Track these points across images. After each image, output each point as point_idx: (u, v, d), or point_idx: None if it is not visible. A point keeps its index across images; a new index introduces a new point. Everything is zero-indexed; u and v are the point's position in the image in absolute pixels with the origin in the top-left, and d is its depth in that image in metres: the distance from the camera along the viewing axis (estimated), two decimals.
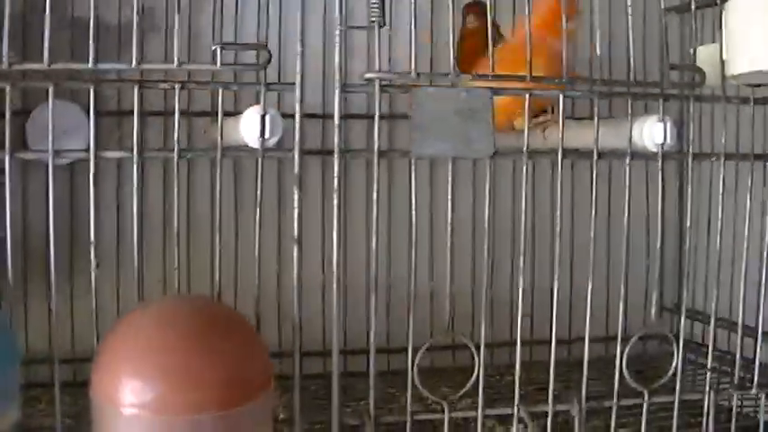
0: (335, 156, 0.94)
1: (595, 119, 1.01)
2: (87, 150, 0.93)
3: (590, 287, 1.03)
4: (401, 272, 1.40)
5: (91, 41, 0.90)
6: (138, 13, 0.93)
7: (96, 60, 0.92)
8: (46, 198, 1.32)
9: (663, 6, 1.04)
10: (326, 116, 1.43)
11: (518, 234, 1.44)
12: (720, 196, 1.07)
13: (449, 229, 0.98)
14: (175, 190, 0.95)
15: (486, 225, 0.99)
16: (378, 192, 0.95)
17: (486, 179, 0.99)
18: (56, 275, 0.92)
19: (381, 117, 0.96)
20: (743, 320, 1.11)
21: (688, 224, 1.11)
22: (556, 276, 1.01)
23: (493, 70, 0.97)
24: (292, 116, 0.94)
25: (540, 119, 1.17)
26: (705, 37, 1.30)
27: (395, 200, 1.45)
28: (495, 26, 1.39)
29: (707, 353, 1.29)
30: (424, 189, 1.42)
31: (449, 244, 0.98)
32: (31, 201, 1.36)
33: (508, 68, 1.00)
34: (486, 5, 1.37)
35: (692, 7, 1.07)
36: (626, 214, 1.04)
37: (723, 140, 1.07)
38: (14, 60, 0.90)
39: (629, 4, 1.02)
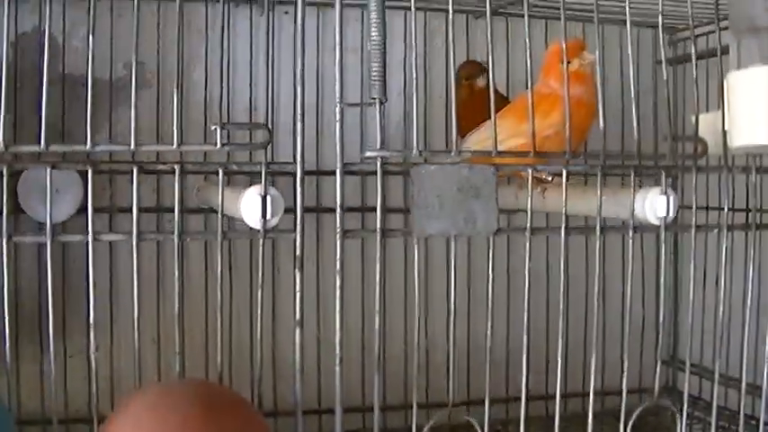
0: (338, 237, 0.92)
1: (598, 192, 1.00)
2: (85, 234, 0.90)
3: (593, 354, 1.02)
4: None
5: (88, 122, 0.87)
6: (134, 92, 0.90)
7: (93, 137, 0.90)
8: (38, 256, 1.32)
9: (665, 77, 1.03)
10: (320, 209, 1.45)
11: (513, 298, 1.45)
12: (724, 266, 1.06)
13: (451, 306, 0.97)
14: (176, 271, 0.93)
15: (488, 296, 0.98)
16: (381, 271, 0.94)
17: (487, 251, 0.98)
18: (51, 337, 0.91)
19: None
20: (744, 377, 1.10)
21: (691, 290, 1.08)
22: (560, 335, 1.00)
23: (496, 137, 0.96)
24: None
25: (541, 185, 1.16)
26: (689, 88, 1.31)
27: (389, 266, 1.44)
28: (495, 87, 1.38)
29: (702, 405, 1.29)
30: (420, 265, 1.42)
31: (452, 318, 0.97)
32: (22, 260, 1.34)
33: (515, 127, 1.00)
34: (484, 65, 1.38)
35: (694, 75, 1.05)
36: (629, 286, 1.04)
37: (725, 211, 1.06)
38: (9, 143, 0.88)
39: (632, 79, 1.01)
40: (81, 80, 1.40)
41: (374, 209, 0.92)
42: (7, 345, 0.90)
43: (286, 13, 1.50)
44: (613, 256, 1.36)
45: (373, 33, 0.92)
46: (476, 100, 1.26)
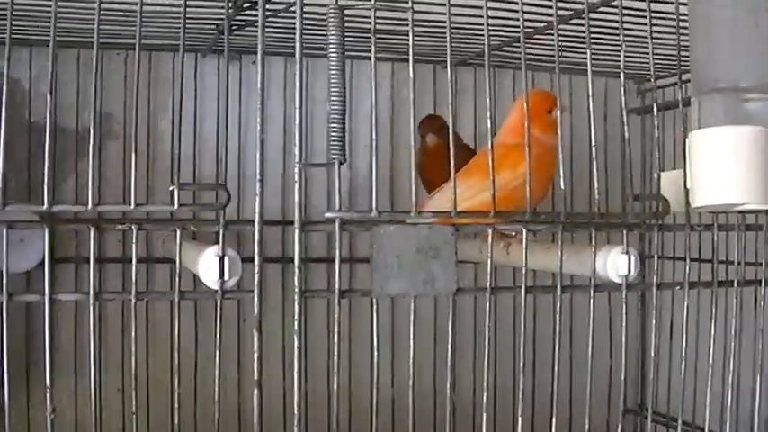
0: (296, 297, 0.92)
1: (559, 252, 1.00)
2: (42, 294, 0.89)
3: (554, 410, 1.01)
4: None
5: (45, 181, 0.87)
6: (94, 151, 0.89)
7: (53, 194, 0.89)
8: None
9: (627, 136, 1.03)
10: (285, 259, 1.44)
11: (478, 354, 1.45)
12: (684, 323, 1.06)
13: (411, 366, 0.97)
14: (133, 330, 0.92)
15: (449, 358, 0.98)
16: (339, 332, 0.93)
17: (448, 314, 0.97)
18: (11, 388, 0.90)
19: (343, 260, 0.94)
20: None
21: (653, 344, 1.08)
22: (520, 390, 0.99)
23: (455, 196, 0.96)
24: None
25: (505, 240, 1.16)
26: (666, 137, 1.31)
27: (354, 326, 1.45)
28: (459, 138, 1.38)
29: None
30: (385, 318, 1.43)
31: (411, 382, 0.97)
32: None
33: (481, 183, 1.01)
34: (444, 120, 1.38)
35: (656, 134, 1.05)
36: (590, 345, 1.03)
37: (687, 269, 1.06)
38: None
39: (592, 137, 1.01)
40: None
41: (320, 259, 0.91)
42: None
43: (253, 62, 1.50)
44: (581, 310, 1.36)
45: (333, 93, 0.91)
46: (438, 155, 1.25)
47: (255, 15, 1.15)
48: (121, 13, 1.18)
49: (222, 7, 1.19)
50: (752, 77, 0.99)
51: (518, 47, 1.30)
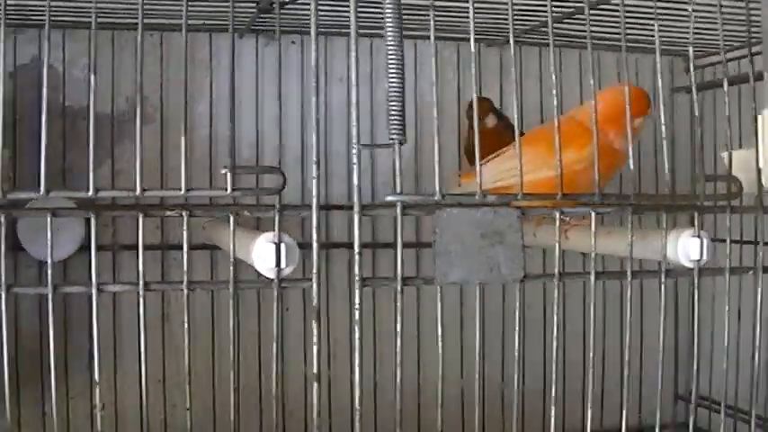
0: (356, 285, 0.87)
1: (629, 237, 0.95)
2: (89, 285, 0.85)
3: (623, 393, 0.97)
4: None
5: (90, 168, 0.82)
6: (141, 136, 0.85)
7: (96, 181, 0.85)
8: (38, 296, 1.28)
9: (696, 114, 0.99)
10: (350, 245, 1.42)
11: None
12: (758, 308, 1.01)
13: (477, 357, 0.92)
14: (185, 322, 0.87)
15: (517, 347, 0.93)
16: (402, 322, 0.88)
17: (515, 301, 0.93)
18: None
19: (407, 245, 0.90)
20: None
21: (715, 332, 1.04)
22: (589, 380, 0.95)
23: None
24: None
25: (564, 225, 1.11)
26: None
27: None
28: (511, 125, 1.34)
29: None
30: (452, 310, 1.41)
31: (477, 376, 0.92)
32: (22, 301, 1.30)
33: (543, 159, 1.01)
34: (492, 104, 1.34)
35: (727, 112, 1.00)
36: (661, 331, 0.98)
37: (761, 253, 1.01)
38: (8, 190, 0.83)
39: (661, 115, 0.96)
40: (82, 113, 1.36)
41: (387, 245, 0.86)
42: (7, 388, 0.84)
43: (293, 42, 1.45)
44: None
45: (391, 72, 0.87)
46: (486, 139, 1.21)
47: None
48: None
49: None
50: None
51: (569, 23, 1.26)
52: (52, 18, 1.23)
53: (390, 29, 0.88)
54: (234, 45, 1.41)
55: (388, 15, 0.88)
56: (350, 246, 1.26)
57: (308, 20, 1.27)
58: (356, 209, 0.87)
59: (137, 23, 1.30)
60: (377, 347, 1.42)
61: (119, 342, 1.36)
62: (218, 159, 1.40)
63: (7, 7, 1.20)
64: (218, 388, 1.37)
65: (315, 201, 0.86)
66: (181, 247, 1.31)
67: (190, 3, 1.19)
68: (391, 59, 0.87)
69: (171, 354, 1.36)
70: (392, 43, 0.87)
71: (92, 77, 0.89)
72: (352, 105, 0.87)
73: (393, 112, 0.87)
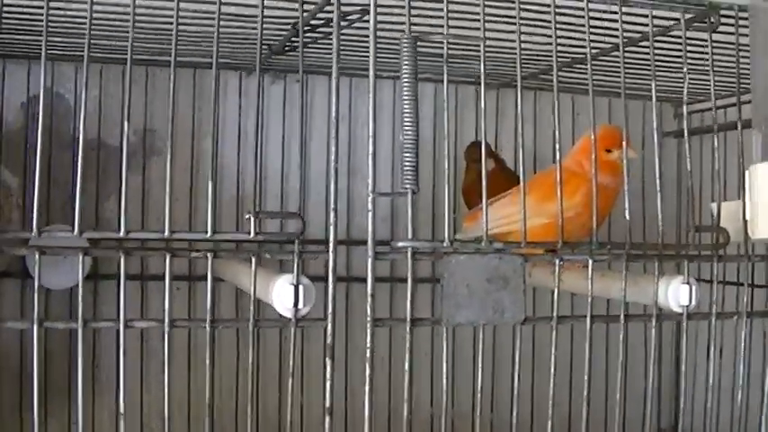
0: (368, 326, 0.92)
1: (623, 283, 1.01)
2: (116, 320, 0.89)
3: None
4: None
5: (122, 212, 0.87)
6: (169, 185, 0.90)
7: (96, 211, 0.89)
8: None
9: (689, 168, 1.05)
10: (350, 279, 1.47)
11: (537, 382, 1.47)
12: (743, 352, 1.07)
13: (478, 393, 0.98)
14: (207, 358, 0.92)
15: (515, 384, 0.99)
16: (411, 360, 0.94)
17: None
18: (53, 401, 0.91)
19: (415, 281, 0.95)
20: None
21: (711, 371, 1.10)
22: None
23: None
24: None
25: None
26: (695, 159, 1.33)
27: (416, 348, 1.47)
28: (507, 168, 1.39)
29: None
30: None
31: (477, 411, 0.98)
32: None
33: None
34: (490, 147, 1.39)
35: (716, 166, 1.06)
36: (651, 373, 1.04)
37: (745, 299, 1.07)
38: (42, 227, 0.88)
39: (657, 167, 1.03)
40: (92, 144, 1.40)
41: (402, 280, 0.92)
42: (35, 404, 0.88)
43: (297, 81, 1.50)
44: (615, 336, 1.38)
45: (406, 122, 0.92)
46: (490, 180, 1.27)
47: (307, 37, 1.17)
48: (162, 31, 1.19)
49: (270, 27, 1.19)
50: None
51: (565, 70, 1.32)
52: (63, 52, 1.29)
53: (406, 80, 0.93)
54: (261, 88, 1.46)
55: (404, 67, 0.93)
56: (353, 279, 1.33)
57: (316, 60, 1.33)
58: (370, 253, 0.93)
59: (147, 59, 1.37)
60: (392, 382, 1.48)
61: (145, 372, 1.41)
62: (223, 192, 1.45)
63: (23, 40, 1.25)
64: (240, 422, 1.43)
65: (331, 246, 0.92)
66: (181, 279, 1.37)
67: (198, 42, 1.25)
68: (406, 110, 0.93)
69: (197, 385, 1.39)
70: (407, 95, 0.93)
71: (81, 113, 0.90)
72: (369, 156, 0.92)
73: (407, 163, 0.92)
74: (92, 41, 1.15)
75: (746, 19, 1.05)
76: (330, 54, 1.17)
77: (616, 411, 1.03)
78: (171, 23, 0.92)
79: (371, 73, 0.93)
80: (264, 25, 1.13)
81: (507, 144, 1.57)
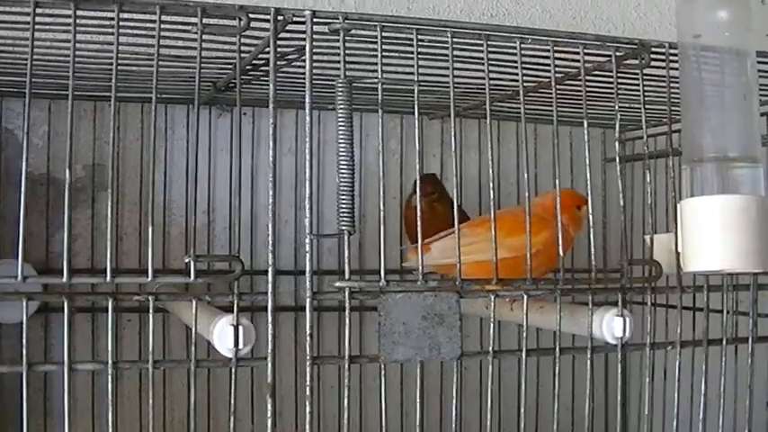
0: (308, 364, 0.95)
1: (557, 316, 1.04)
2: (62, 364, 0.91)
3: None
4: None
5: (65, 258, 0.89)
6: (110, 237, 0.91)
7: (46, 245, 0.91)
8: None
9: (622, 204, 1.07)
10: (297, 308, 1.49)
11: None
12: (676, 383, 1.10)
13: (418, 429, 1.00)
14: (150, 399, 0.94)
15: (455, 424, 1.01)
16: (349, 396, 0.96)
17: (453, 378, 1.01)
18: None
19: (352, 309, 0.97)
20: None
21: (647, 402, 1.12)
22: None
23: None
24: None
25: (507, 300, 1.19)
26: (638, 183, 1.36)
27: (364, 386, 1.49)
28: (449, 197, 1.41)
29: None
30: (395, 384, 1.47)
31: None
32: None
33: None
34: (437, 180, 1.41)
35: (649, 201, 1.09)
36: (587, 403, 1.07)
37: (679, 330, 1.10)
38: None
39: (589, 207, 1.05)
40: (41, 179, 1.41)
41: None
42: None
43: (244, 114, 1.52)
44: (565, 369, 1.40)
45: (342, 164, 0.95)
46: (431, 214, 1.29)
47: (249, 75, 1.19)
48: (107, 69, 1.20)
49: (212, 67, 1.21)
50: (739, 147, 1.04)
51: (509, 102, 1.34)
52: (12, 88, 1.31)
53: (341, 123, 0.95)
54: (188, 117, 1.48)
55: (339, 110, 0.95)
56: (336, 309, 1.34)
57: (261, 93, 1.35)
58: (308, 294, 0.95)
59: (96, 95, 1.38)
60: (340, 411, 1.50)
61: (97, 424, 1.43)
62: (172, 227, 1.47)
63: None
64: None
65: (270, 288, 0.94)
66: (133, 310, 1.38)
67: (146, 78, 1.27)
68: (342, 152, 0.95)
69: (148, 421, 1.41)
70: (343, 139, 0.95)
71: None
72: (305, 200, 0.94)
73: (343, 205, 0.95)
74: (39, 78, 1.17)
75: (677, 55, 1.08)
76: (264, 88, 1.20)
77: None
78: (112, 62, 0.93)
79: (308, 119, 0.95)
80: (207, 64, 1.15)
81: (452, 173, 1.59)
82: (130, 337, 1.44)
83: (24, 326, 0.91)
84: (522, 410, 1.04)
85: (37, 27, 0.91)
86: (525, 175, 1.06)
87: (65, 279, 0.90)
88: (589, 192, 1.07)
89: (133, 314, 1.45)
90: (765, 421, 1.20)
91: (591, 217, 1.07)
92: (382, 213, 0.99)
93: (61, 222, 1.37)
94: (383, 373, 0.98)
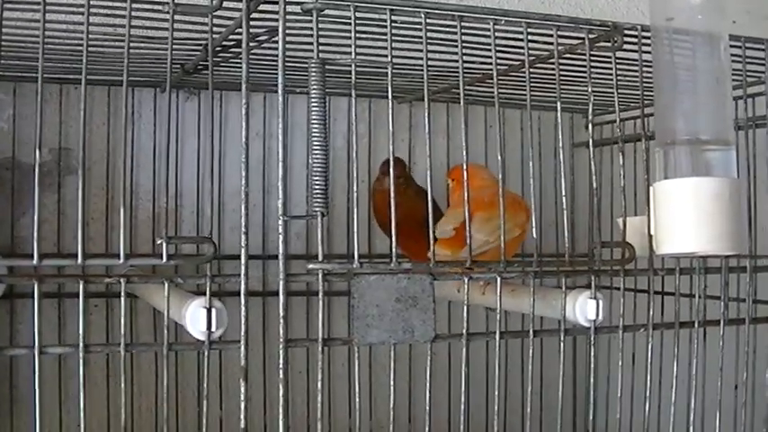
0: (280, 347, 0.94)
1: (531, 299, 1.04)
2: (32, 347, 0.90)
3: None
4: None
5: (35, 238, 0.88)
6: (81, 218, 0.90)
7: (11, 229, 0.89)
8: None
9: (594, 186, 1.07)
10: (267, 293, 1.49)
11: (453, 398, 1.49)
12: (648, 365, 1.10)
13: (390, 414, 1.00)
14: (123, 383, 0.93)
15: (427, 406, 1.01)
16: (322, 380, 0.96)
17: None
18: None
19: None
20: None
21: (619, 385, 1.12)
22: None
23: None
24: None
25: (481, 283, 1.18)
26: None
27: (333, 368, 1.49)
28: (413, 181, 1.40)
29: None
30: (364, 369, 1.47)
31: (391, 428, 1.00)
32: None
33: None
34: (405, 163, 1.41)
35: (622, 184, 1.09)
36: (560, 388, 1.07)
37: (651, 313, 1.10)
38: None
39: (562, 186, 1.05)
40: (5, 164, 1.39)
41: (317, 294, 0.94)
42: None
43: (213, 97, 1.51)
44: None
45: (315, 146, 0.94)
46: (401, 198, 1.28)
47: (218, 57, 1.18)
48: (75, 51, 1.19)
49: (182, 48, 1.20)
50: (711, 130, 1.04)
51: (477, 85, 1.34)
52: None
53: (314, 104, 0.94)
54: (155, 100, 1.47)
55: (313, 91, 0.95)
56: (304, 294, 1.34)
57: (229, 77, 1.34)
58: (281, 276, 0.94)
59: (61, 78, 1.36)
60: (309, 395, 1.51)
61: (64, 409, 1.42)
62: (139, 211, 1.46)
63: None
64: None
65: (243, 270, 0.93)
66: (99, 296, 1.37)
67: (117, 62, 1.25)
68: (315, 134, 0.94)
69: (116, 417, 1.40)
70: (316, 121, 0.94)
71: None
72: (278, 182, 0.93)
73: (316, 187, 0.94)
74: (4, 60, 1.15)
75: (649, 38, 1.08)
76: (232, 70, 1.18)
77: (528, 424, 1.05)
78: (82, 44, 0.92)
79: (281, 100, 0.94)
80: (177, 46, 1.14)
81: (420, 158, 1.59)
82: (98, 322, 1.43)
83: (36, 316, 0.90)
84: (497, 393, 1.03)
85: (4, 6, 0.90)
86: (498, 158, 1.05)
87: (35, 261, 0.89)
88: (563, 175, 1.07)
89: (100, 299, 1.44)
90: (734, 404, 1.20)
91: (564, 200, 1.07)
92: (355, 195, 0.98)
93: (26, 206, 1.36)
94: (357, 356, 0.97)
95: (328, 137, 0.95)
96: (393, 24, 1.00)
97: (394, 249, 0.98)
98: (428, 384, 1.00)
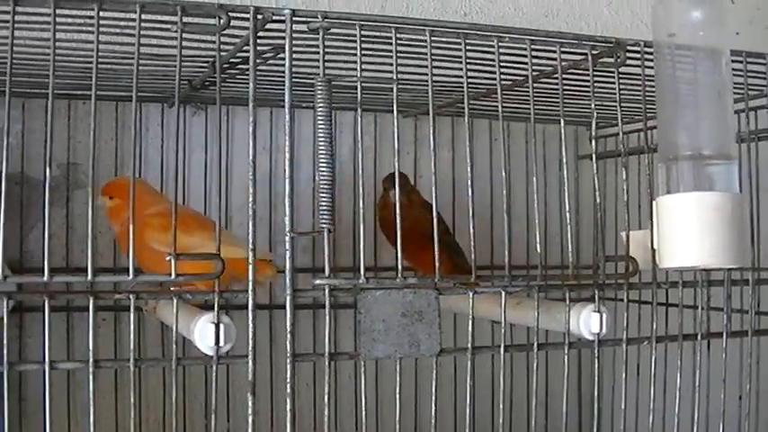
0: (288, 362, 0.95)
1: (536, 313, 1.05)
2: (42, 362, 0.91)
3: None
4: None
5: (46, 255, 0.89)
6: (90, 237, 0.91)
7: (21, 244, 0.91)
8: None
9: (598, 201, 1.08)
10: (273, 306, 1.49)
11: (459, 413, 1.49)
12: (652, 377, 1.11)
13: (397, 426, 1.01)
14: (132, 397, 0.95)
15: (433, 420, 1.02)
16: (329, 394, 0.97)
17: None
18: None
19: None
20: None
21: (623, 396, 1.13)
22: None
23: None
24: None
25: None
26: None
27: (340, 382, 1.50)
28: (419, 195, 1.41)
29: None
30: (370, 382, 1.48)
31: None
32: None
33: None
34: (407, 177, 1.41)
35: (625, 198, 1.10)
36: (564, 400, 1.08)
37: (654, 326, 1.11)
38: None
39: (566, 200, 1.06)
40: (14, 178, 1.40)
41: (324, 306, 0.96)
42: None
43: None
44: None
45: (322, 163, 0.95)
46: (407, 211, 1.29)
47: (225, 73, 1.19)
48: (84, 67, 1.20)
49: (189, 65, 1.22)
50: (713, 145, 1.05)
51: (482, 100, 1.35)
52: None
53: (321, 122, 0.96)
54: (163, 115, 1.48)
55: (319, 109, 0.96)
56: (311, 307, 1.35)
57: (236, 92, 1.35)
58: (288, 291, 0.95)
59: (69, 93, 1.38)
60: (316, 408, 1.52)
61: (73, 423, 1.42)
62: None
63: None
64: None
65: (251, 285, 0.94)
66: (107, 309, 1.38)
67: (125, 78, 1.26)
68: (321, 150, 0.95)
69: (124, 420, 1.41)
70: (323, 138, 0.95)
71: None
72: (285, 198, 0.95)
73: (323, 204, 0.95)
74: (15, 77, 1.16)
75: (652, 54, 1.09)
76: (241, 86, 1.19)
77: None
78: (91, 61, 0.93)
79: (287, 117, 0.95)
80: (185, 63, 1.15)
81: (426, 171, 1.59)
82: (106, 335, 1.44)
83: (5, 325, 0.91)
84: (501, 406, 1.04)
85: (15, 25, 0.91)
86: (503, 173, 1.06)
87: (45, 278, 0.90)
88: (566, 188, 1.08)
89: (108, 313, 1.45)
90: (738, 415, 1.21)
91: (568, 215, 1.08)
92: (362, 211, 0.99)
93: (35, 221, 1.38)
94: (363, 370, 0.98)
95: (335, 155, 0.96)
96: (398, 42, 1.01)
97: (400, 264, 0.99)
98: (434, 397, 1.01)
